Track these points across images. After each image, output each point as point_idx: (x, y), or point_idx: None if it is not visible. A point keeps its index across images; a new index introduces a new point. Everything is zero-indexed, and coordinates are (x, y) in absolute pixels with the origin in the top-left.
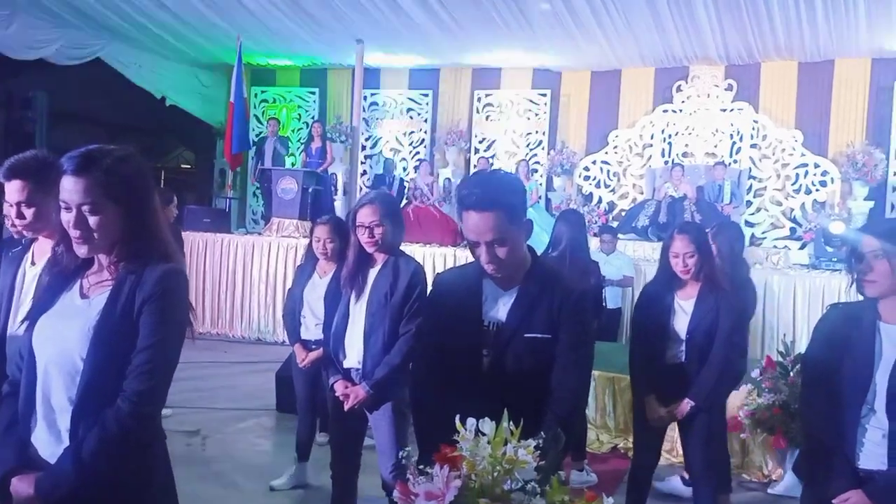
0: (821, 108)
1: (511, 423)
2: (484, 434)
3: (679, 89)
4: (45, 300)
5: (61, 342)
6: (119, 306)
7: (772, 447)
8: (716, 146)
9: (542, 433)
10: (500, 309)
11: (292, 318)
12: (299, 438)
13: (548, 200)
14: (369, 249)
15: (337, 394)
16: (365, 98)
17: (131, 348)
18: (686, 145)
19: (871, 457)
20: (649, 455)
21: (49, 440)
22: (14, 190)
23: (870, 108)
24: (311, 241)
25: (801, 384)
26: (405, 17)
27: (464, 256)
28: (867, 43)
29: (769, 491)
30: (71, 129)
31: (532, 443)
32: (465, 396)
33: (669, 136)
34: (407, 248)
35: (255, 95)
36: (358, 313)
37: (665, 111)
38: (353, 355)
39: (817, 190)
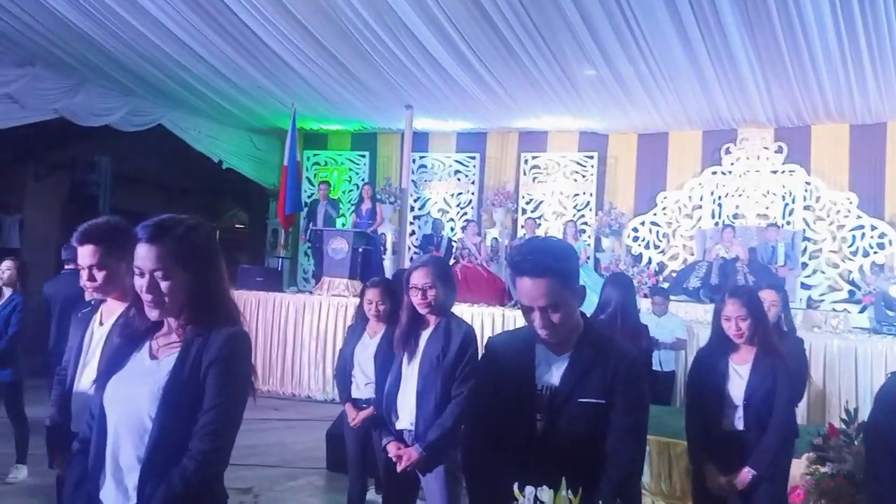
0: (875, 171)
1: (569, 491)
2: (542, 502)
3: (728, 151)
4: (116, 361)
5: (131, 402)
6: (187, 368)
7: None
8: (767, 208)
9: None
10: (554, 373)
11: (343, 377)
12: (351, 497)
13: (596, 261)
14: (422, 311)
15: (390, 455)
16: (413, 161)
17: (198, 409)
18: (737, 207)
19: None
20: None
21: (117, 497)
22: (87, 254)
23: None
24: (361, 302)
25: (864, 455)
26: (454, 85)
27: (512, 316)
28: None
29: None
30: (132, 192)
31: None
32: (519, 461)
33: (719, 198)
34: (454, 308)
35: (308, 158)
36: (410, 374)
37: (714, 173)
38: (406, 416)
39: (875, 252)
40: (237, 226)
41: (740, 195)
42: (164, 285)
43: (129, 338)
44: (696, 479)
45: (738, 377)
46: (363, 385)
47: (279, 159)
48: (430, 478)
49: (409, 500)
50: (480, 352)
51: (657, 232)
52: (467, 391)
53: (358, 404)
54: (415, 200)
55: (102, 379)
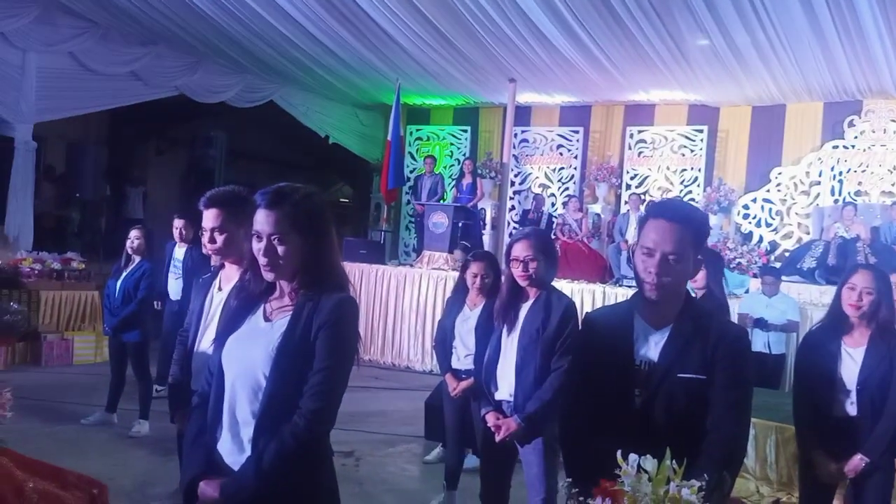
0: None
1: (674, 461)
2: (646, 471)
3: (851, 124)
4: (233, 322)
5: (247, 360)
6: (299, 330)
7: None
8: (893, 184)
9: (704, 475)
10: (652, 348)
11: (443, 348)
12: (448, 467)
13: None
14: (522, 283)
15: (489, 425)
16: (515, 135)
17: (308, 369)
18: (859, 183)
19: None
20: None
21: (233, 449)
22: (210, 217)
23: None
24: (463, 275)
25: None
26: (558, 57)
27: (613, 294)
28: None
29: None
30: (245, 166)
31: (696, 483)
32: (617, 436)
33: (840, 174)
34: (555, 283)
35: (411, 133)
36: (510, 347)
37: (835, 147)
38: (505, 388)
39: None
40: (342, 200)
41: (864, 171)
42: (280, 249)
43: (245, 300)
44: (804, 465)
45: (852, 360)
46: (463, 356)
47: (383, 134)
48: (528, 449)
49: (506, 471)
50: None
51: (770, 209)
52: (567, 364)
53: (458, 375)
54: (515, 175)
55: (220, 339)
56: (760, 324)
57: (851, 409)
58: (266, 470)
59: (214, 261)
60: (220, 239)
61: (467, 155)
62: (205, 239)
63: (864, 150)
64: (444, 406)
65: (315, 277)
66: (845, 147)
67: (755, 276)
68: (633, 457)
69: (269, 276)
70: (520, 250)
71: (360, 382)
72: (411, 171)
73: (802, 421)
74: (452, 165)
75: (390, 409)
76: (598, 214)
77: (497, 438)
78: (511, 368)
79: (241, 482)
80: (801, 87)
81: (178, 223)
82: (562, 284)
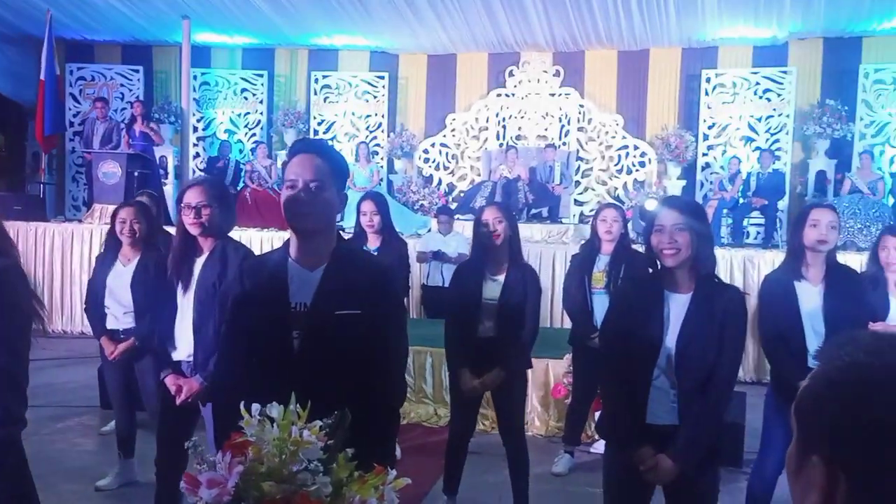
0: (638, 94)
1: (297, 405)
2: (271, 418)
3: (511, 74)
4: None
5: None
6: None
7: (592, 410)
8: (546, 129)
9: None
10: (307, 289)
11: (96, 309)
12: (120, 434)
13: (389, 182)
14: (194, 231)
15: (169, 387)
16: (195, 78)
17: None
18: (519, 128)
19: (663, 414)
20: (464, 423)
21: None
22: None
23: (681, 95)
24: (112, 226)
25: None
26: None
27: None
28: (677, 33)
29: (591, 450)
30: None
31: (318, 423)
32: (278, 383)
33: (504, 120)
34: (245, 232)
35: (71, 73)
36: (186, 304)
37: (499, 95)
38: (184, 347)
39: (637, 170)
40: None
41: (522, 117)
42: None
43: None
44: (453, 382)
45: (496, 284)
46: (121, 315)
47: (36, 73)
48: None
49: (186, 433)
50: None
51: (447, 153)
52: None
53: (116, 336)
54: (198, 121)
55: None
56: (438, 256)
57: (491, 330)
58: None
59: None
60: None
61: (141, 97)
62: None
63: (522, 99)
64: (105, 371)
65: None
66: (507, 95)
67: (435, 216)
68: (255, 406)
69: None
70: (192, 196)
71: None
72: (75, 116)
73: (450, 344)
74: (124, 109)
75: (60, 381)
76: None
77: (178, 401)
78: (188, 327)
79: None
80: (468, 38)
81: None
82: (251, 233)
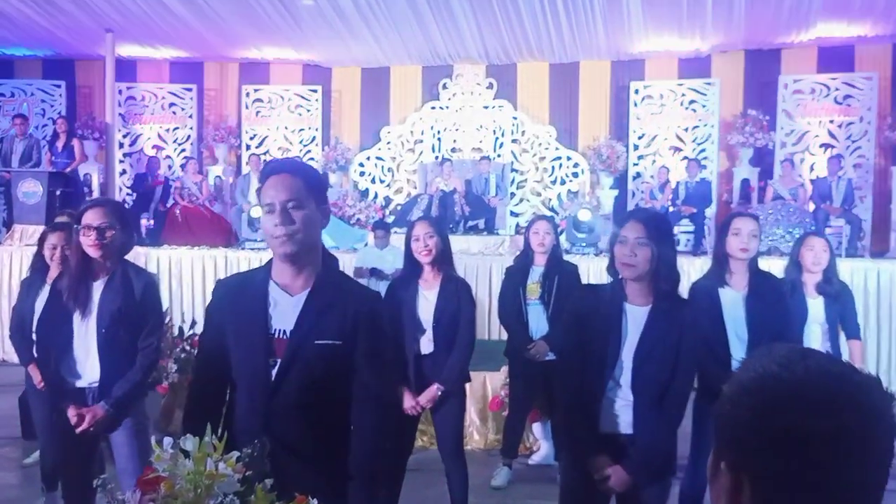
0: (570, 106)
1: (214, 436)
2: (186, 452)
3: (445, 87)
4: None
5: None
6: None
7: (530, 421)
8: (481, 141)
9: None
10: (289, 315)
11: (22, 336)
12: (44, 467)
13: None
14: (94, 254)
15: (70, 417)
16: (120, 92)
17: None
18: (454, 141)
19: (619, 424)
20: (403, 442)
21: None
22: None
23: (611, 106)
24: (39, 250)
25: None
26: (160, 7)
27: (236, 258)
28: (606, 46)
29: (529, 462)
30: None
31: (234, 454)
32: (253, 411)
33: (438, 132)
34: (175, 251)
35: None
36: (85, 330)
37: (433, 108)
38: (87, 374)
39: (570, 180)
40: None
41: (457, 129)
42: None
43: None
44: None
45: (427, 301)
46: None
47: None
48: (118, 434)
49: (90, 461)
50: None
51: (382, 166)
52: (157, 342)
53: None
54: (124, 136)
55: None
56: (375, 273)
57: (428, 346)
58: None
59: None
60: None
61: (63, 113)
62: None
63: (457, 111)
64: (30, 400)
65: None
66: (441, 108)
67: (372, 230)
68: (167, 440)
69: None
70: (93, 217)
71: None
72: None
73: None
74: (46, 125)
75: None
76: (219, 176)
77: (79, 430)
78: (90, 354)
79: None
80: (401, 51)
81: None
82: (182, 251)
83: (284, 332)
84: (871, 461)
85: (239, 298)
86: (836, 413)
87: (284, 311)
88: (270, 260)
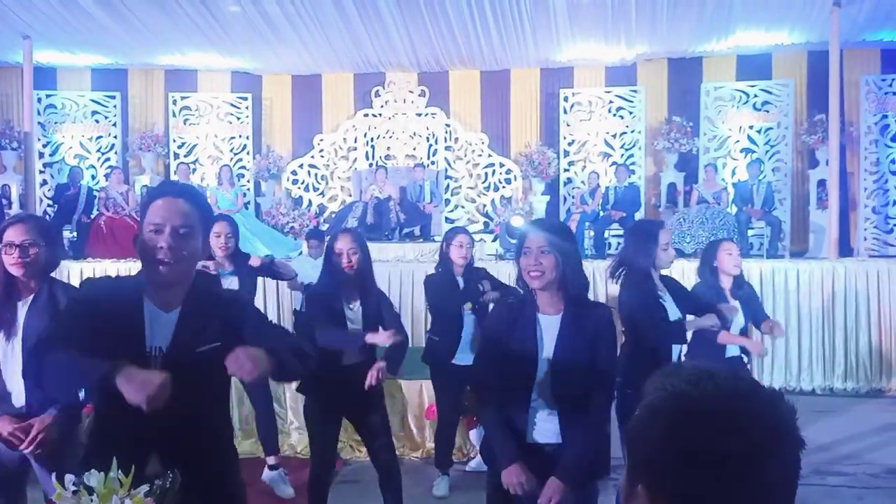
0: (501, 113)
1: (120, 471)
2: (90, 488)
3: (378, 94)
4: None
5: None
6: None
7: (466, 428)
8: (415, 149)
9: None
10: (164, 332)
11: None
12: None
13: (257, 206)
14: (17, 272)
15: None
16: (39, 100)
17: None
18: (388, 148)
19: (543, 433)
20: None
21: None
22: None
23: (541, 113)
24: None
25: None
26: (80, 12)
27: None
28: (535, 54)
29: (466, 469)
30: None
31: (143, 489)
32: (131, 434)
33: (372, 140)
34: (100, 263)
35: None
36: (10, 352)
37: (366, 115)
38: (16, 397)
39: (504, 187)
40: None
41: (391, 137)
42: None
43: None
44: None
45: (351, 311)
46: None
47: None
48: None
49: (21, 485)
50: None
51: (316, 174)
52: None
53: None
54: (44, 146)
55: None
56: (309, 287)
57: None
58: None
59: None
60: None
61: None
62: None
63: (390, 118)
64: None
65: None
66: (374, 115)
67: (306, 239)
68: (69, 477)
69: None
70: (16, 234)
71: None
72: None
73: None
74: None
75: None
76: (146, 186)
77: (25, 446)
78: (18, 377)
79: None
80: (332, 58)
81: None
82: (106, 264)
83: (160, 348)
84: (782, 474)
85: (113, 309)
86: (747, 431)
87: (159, 328)
88: (140, 273)
